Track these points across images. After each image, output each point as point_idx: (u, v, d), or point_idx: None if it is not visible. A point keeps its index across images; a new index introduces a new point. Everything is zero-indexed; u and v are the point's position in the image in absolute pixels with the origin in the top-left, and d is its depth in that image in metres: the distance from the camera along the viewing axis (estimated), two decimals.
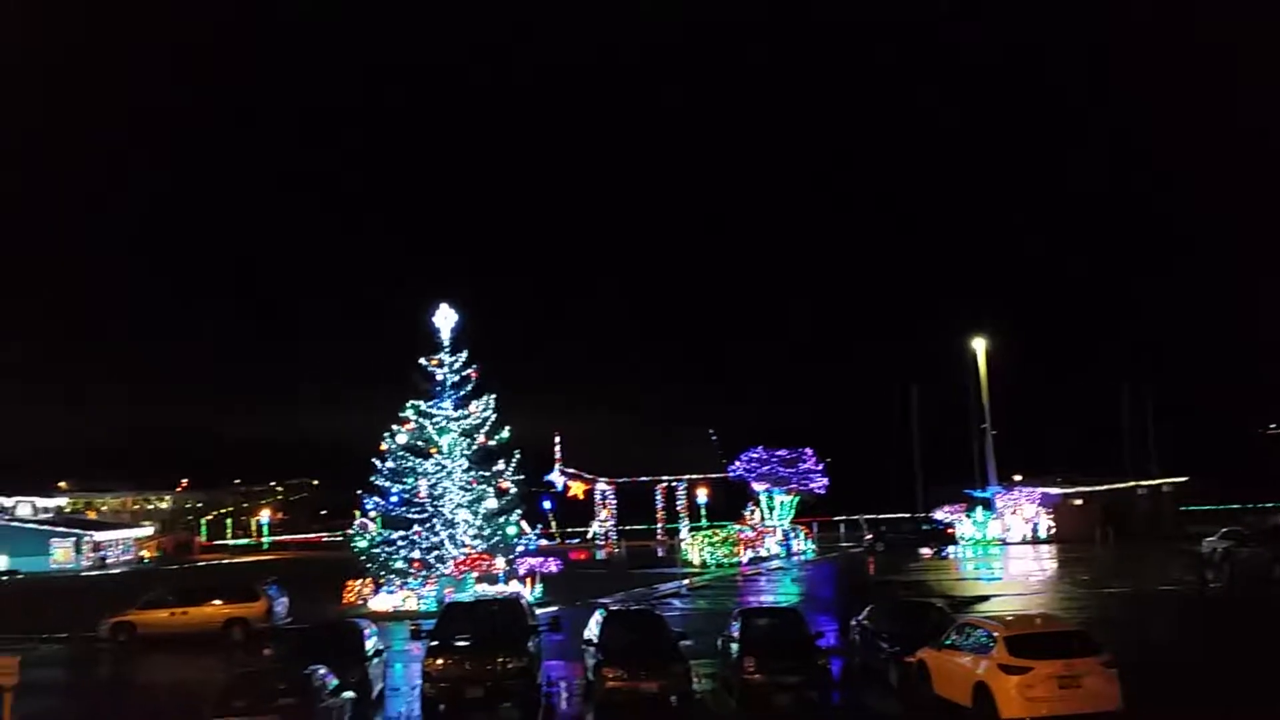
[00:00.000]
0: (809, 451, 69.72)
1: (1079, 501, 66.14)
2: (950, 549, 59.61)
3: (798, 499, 69.17)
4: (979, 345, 71.85)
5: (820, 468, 69.63)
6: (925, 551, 58.29)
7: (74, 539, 76.37)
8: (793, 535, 63.01)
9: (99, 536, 79.76)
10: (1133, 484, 67.50)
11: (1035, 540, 65.21)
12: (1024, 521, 66.74)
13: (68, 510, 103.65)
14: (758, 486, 68.55)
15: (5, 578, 67.14)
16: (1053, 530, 65.72)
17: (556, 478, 72.66)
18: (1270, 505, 69.90)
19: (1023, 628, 19.25)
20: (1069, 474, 68.38)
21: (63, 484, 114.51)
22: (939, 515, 66.66)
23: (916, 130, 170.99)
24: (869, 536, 64.57)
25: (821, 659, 20.92)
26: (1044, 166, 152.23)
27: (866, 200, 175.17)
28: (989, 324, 75.22)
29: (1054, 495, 66.84)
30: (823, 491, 70.00)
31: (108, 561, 77.48)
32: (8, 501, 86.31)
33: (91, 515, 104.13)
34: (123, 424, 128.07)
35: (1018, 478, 70.83)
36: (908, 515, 72.56)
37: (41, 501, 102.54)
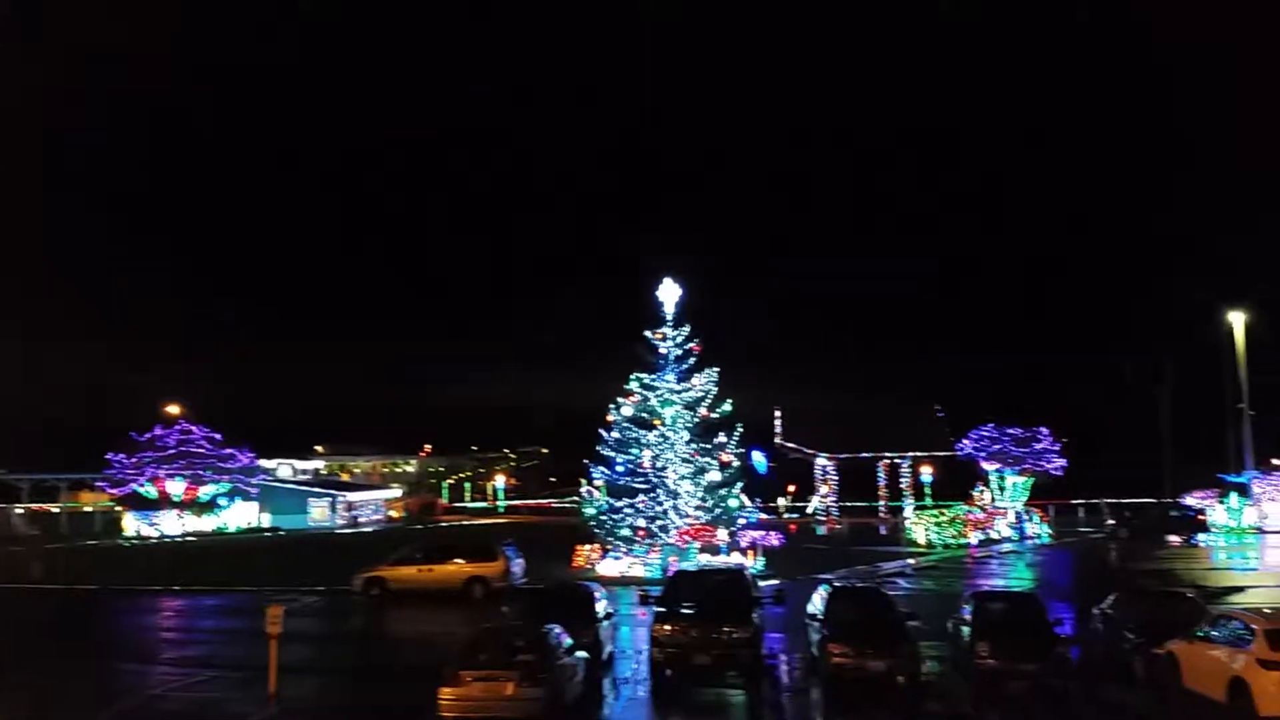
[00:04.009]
0: (1044, 430, 66.97)
1: None
2: (1201, 537, 55.70)
3: (1031, 480, 66.59)
4: (1237, 319, 66.35)
5: (1057, 448, 66.79)
6: (1173, 539, 54.80)
7: (329, 499, 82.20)
8: (1026, 518, 60.61)
9: (351, 497, 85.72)
10: None
11: None
12: None
13: (323, 472, 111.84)
14: (988, 466, 66.45)
15: (268, 534, 73.28)
16: None
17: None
18: None
19: None
20: None
21: (319, 448, 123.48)
22: (1189, 501, 62.54)
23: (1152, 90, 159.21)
24: (1111, 522, 61.30)
25: (1061, 646, 20.07)
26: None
27: (1112, 159, 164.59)
28: (1247, 294, 69.30)
29: None
30: (1059, 473, 67.18)
31: (359, 520, 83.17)
32: (269, 463, 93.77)
33: (345, 477, 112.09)
34: (372, 394, 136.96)
35: (1277, 461, 65.42)
36: (1154, 500, 68.47)
37: (300, 464, 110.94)
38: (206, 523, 71.71)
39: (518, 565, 35.73)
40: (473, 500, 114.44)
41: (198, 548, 61.24)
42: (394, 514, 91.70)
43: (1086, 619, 24.08)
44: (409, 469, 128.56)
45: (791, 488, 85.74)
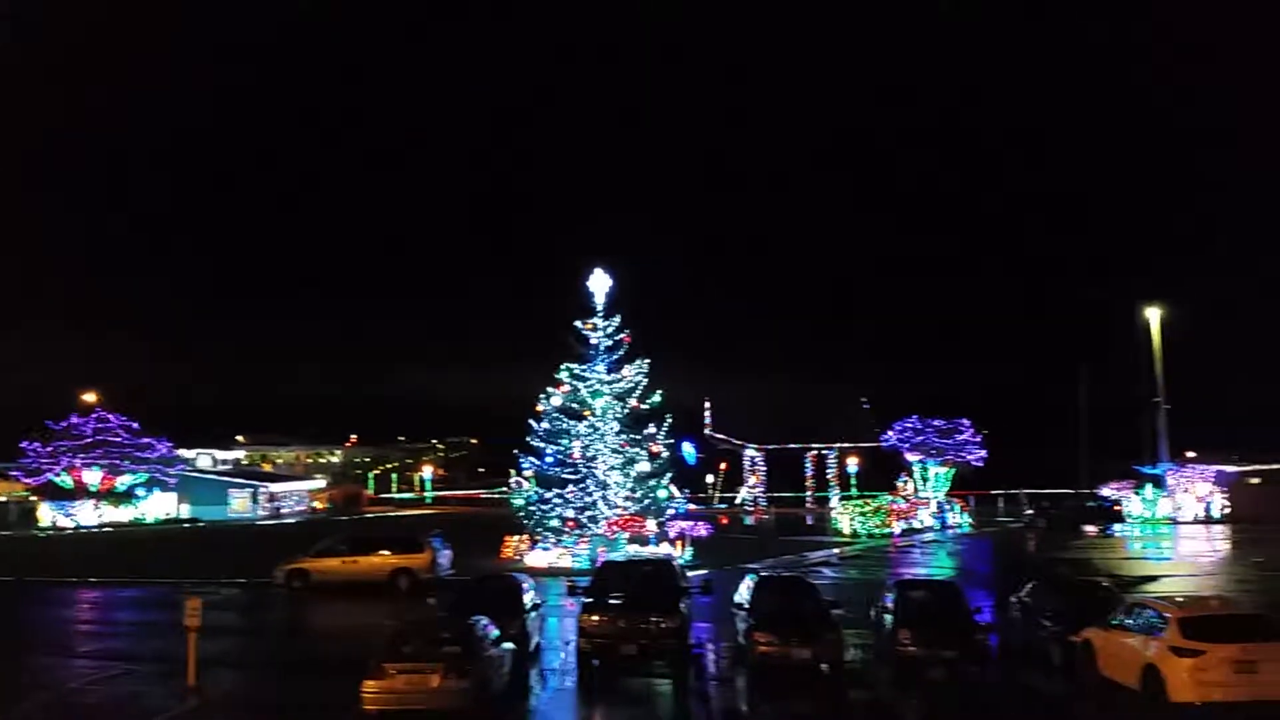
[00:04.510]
0: (966, 422, 68.22)
1: (1257, 480, 62.79)
2: (1116, 527, 57.19)
3: (953, 471, 67.82)
4: (1153, 314, 68.26)
5: (978, 439, 68.07)
6: (1090, 529, 56.13)
7: (250, 490, 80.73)
8: (948, 508, 61.71)
9: (274, 488, 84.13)
10: None
11: (1208, 520, 62.44)
12: (1196, 500, 63.91)
13: (245, 463, 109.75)
14: (911, 457, 67.49)
15: (187, 525, 71.70)
16: (1227, 510, 62.72)
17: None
18: None
19: (1197, 609, 18.52)
20: (1247, 451, 64.76)
21: (240, 438, 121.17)
22: (1105, 491, 64.21)
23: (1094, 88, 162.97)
24: (1030, 512, 62.65)
25: (980, 634, 20.46)
26: (1218, 126, 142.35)
27: (1032, 161, 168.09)
28: (1164, 290, 71.48)
29: (1230, 473, 63.61)
30: (980, 464, 68.50)
31: (282, 512, 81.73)
32: (189, 454, 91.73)
33: (267, 468, 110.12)
34: (297, 383, 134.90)
35: (1191, 454, 67.48)
36: (1071, 491, 70.12)
37: (220, 454, 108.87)
38: (124, 513, 70.00)
39: (444, 557, 35.34)
40: (400, 491, 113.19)
41: (115, 539, 59.73)
42: (318, 505, 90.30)
43: (1005, 607, 24.52)
44: (334, 459, 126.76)
45: (722, 465, 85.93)
